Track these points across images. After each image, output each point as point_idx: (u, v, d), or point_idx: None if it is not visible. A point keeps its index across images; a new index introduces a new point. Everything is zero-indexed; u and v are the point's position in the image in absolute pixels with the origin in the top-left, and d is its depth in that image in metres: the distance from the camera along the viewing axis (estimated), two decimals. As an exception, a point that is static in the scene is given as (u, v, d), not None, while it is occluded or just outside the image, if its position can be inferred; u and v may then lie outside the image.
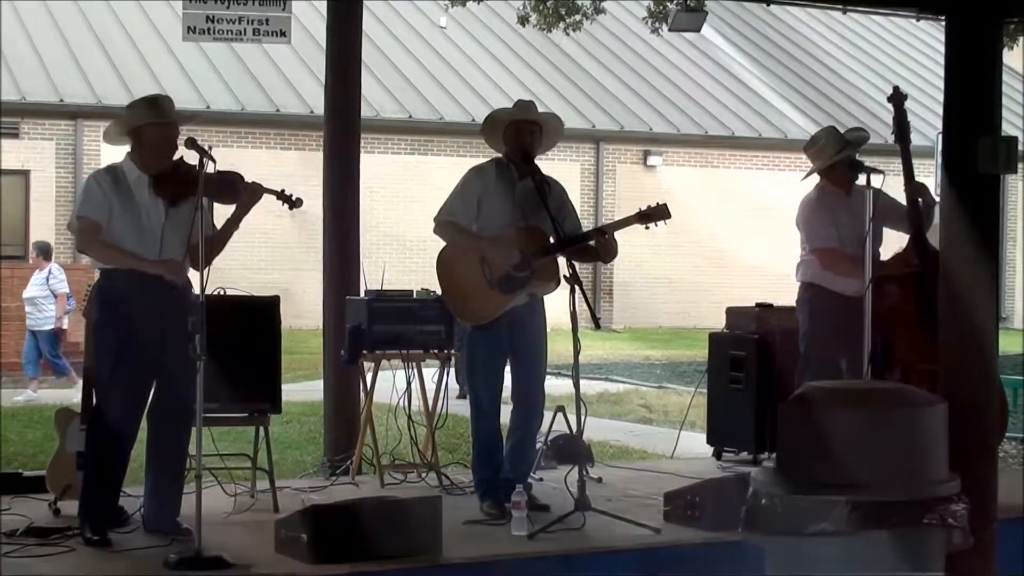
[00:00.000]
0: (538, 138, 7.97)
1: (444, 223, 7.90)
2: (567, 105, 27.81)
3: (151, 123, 7.10)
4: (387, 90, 27.03)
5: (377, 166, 24.02)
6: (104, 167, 7.27)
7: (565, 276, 7.59)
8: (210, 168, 6.75)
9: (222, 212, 7.20)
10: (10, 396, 15.39)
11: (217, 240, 7.16)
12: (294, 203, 7.22)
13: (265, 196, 7.20)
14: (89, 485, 7.05)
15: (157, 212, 7.05)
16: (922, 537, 5.14)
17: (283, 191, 7.21)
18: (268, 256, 22.85)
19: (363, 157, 10.00)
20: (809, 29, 35.32)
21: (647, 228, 8.01)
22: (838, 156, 8.61)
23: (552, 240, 7.76)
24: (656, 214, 7.89)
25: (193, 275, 6.96)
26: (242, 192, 7.12)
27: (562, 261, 7.76)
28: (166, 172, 7.06)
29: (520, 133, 7.91)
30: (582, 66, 30.36)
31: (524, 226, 7.80)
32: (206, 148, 6.74)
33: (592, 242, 7.94)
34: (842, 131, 8.99)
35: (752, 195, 29.06)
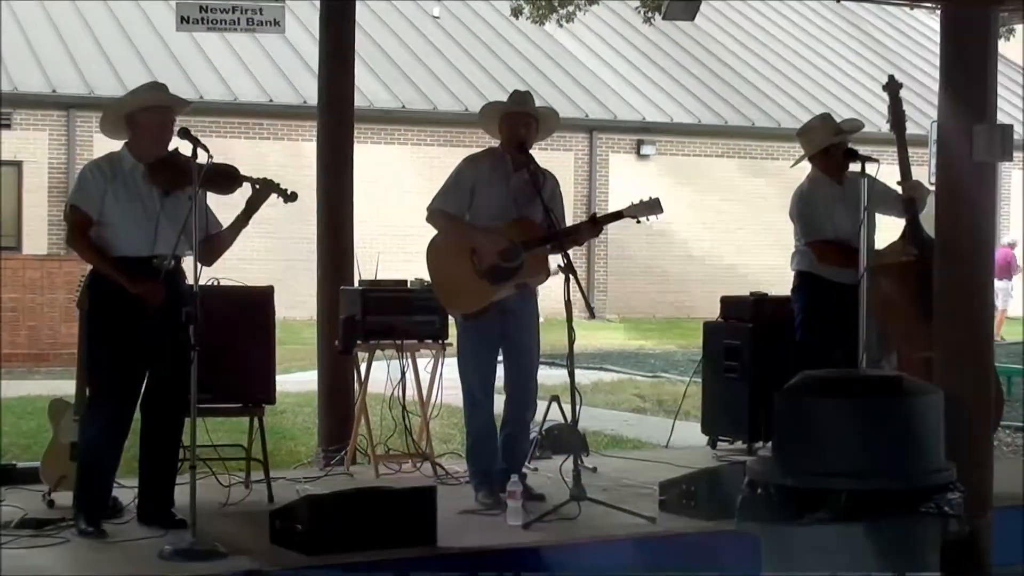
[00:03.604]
0: (533, 130, 7.95)
1: (436, 212, 7.89)
2: (560, 95, 27.82)
3: (147, 108, 7.10)
4: (381, 80, 27.01)
5: (371, 156, 24.02)
6: (102, 156, 7.25)
7: (560, 265, 7.58)
8: (204, 159, 6.75)
9: (221, 204, 7.19)
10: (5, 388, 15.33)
11: (226, 237, 7.19)
12: (289, 197, 7.25)
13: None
14: (83, 476, 7.04)
15: (152, 201, 7.04)
16: (918, 526, 5.14)
17: (278, 185, 7.23)
18: (262, 246, 22.84)
19: (356, 147, 9.98)
20: (802, 18, 35.33)
21: (639, 222, 8.01)
22: (830, 142, 8.61)
23: (543, 232, 7.75)
24: (648, 208, 7.89)
25: (187, 266, 6.96)
26: (234, 183, 7.12)
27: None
28: (161, 161, 7.05)
29: (516, 125, 7.89)
30: (575, 56, 30.35)
31: (516, 217, 7.79)
32: (199, 138, 6.75)
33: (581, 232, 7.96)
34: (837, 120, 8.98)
35: (746, 184, 29.07)
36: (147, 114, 7.09)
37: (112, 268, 6.97)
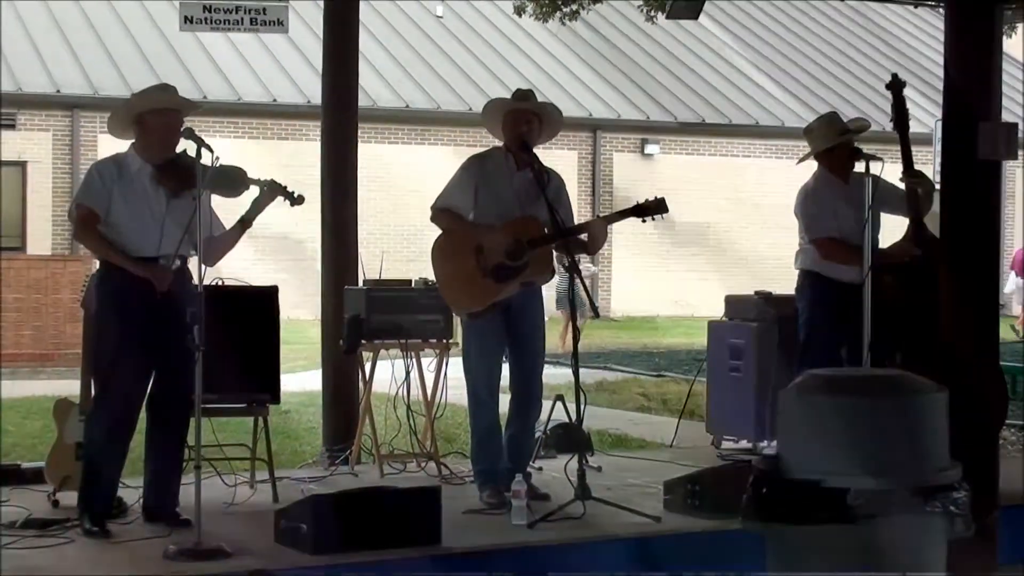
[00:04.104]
0: (536, 127, 7.93)
1: (440, 211, 7.89)
2: (564, 94, 27.80)
3: (154, 110, 7.10)
4: (384, 80, 27.01)
5: (374, 156, 24.01)
6: (108, 156, 7.25)
7: (564, 265, 7.57)
8: (208, 159, 6.75)
9: (228, 205, 7.20)
10: (9, 387, 15.35)
11: (229, 238, 7.20)
12: (296, 200, 7.26)
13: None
14: (88, 476, 7.04)
15: (159, 202, 7.04)
16: (923, 525, 5.13)
17: (285, 187, 7.23)
18: (266, 246, 22.85)
19: (360, 147, 9.98)
20: (806, 17, 35.31)
21: (644, 221, 8.01)
22: (836, 140, 8.61)
23: (547, 230, 7.74)
24: (654, 208, 7.88)
25: (193, 267, 6.97)
26: (241, 186, 7.13)
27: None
28: (169, 162, 7.05)
29: (517, 122, 7.87)
30: (579, 55, 30.34)
31: (520, 216, 7.78)
32: (203, 138, 6.75)
33: (585, 234, 7.92)
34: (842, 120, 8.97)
35: (749, 183, 29.06)
36: (155, 116, 7.09)
37: (121, 257, 6.97)
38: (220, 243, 7.20)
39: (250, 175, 7.21)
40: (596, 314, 8.40)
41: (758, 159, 29.62)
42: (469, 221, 7.85)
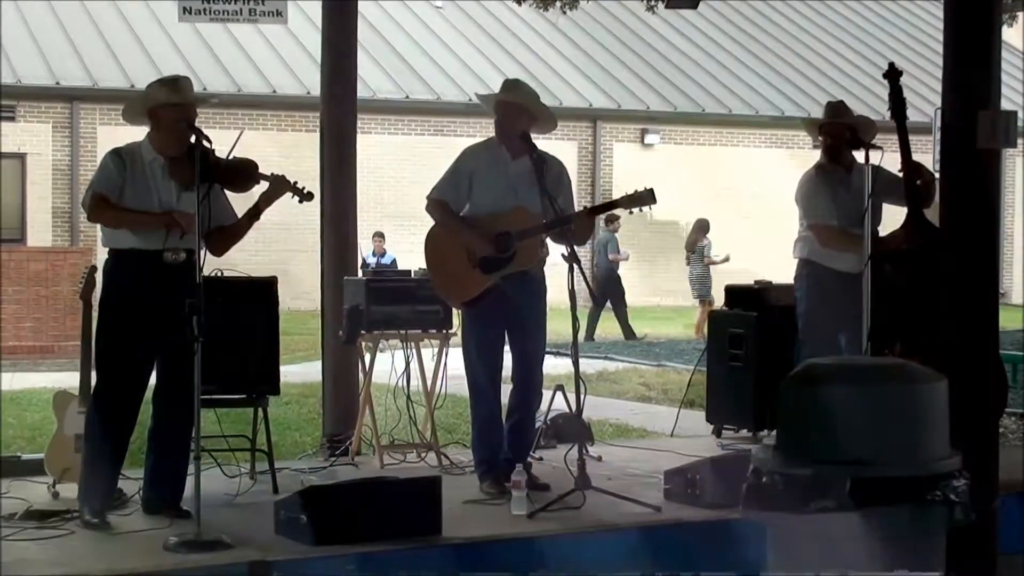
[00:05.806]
0: (523, 118, 7.90)
1: (434, 202, 7.92)
2: (564, 84, 27.80)
3: (167, 104, 7.08)
4: (384, 70, 26.99)
5: (374, 146, 24.00)
6: (123, 145, 7.22)
7: (563, 255, 7.56)
8: (210, 149, 6.75)
9: (234, 198, 7.20)
10: (9, 379, 15.33)
11: (238, 229, 7.19)
12: (305, 196, 7.25)
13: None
14: (88, 468, 7.03)
15: (169, 194, 7.04)
16: (924, 513, 5.14)
17: (294, 183, 7.22)
18: (265, 236, 22.84)
19: (360, 137, 9.97)
20: (805, 5, 35.28)
21: (631, 213, 8.00)
22: (819, 124, 8.68)
23: (538, 220, 7.74)
24: (642, 199, 7.86)
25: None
26: (250, 180, 7.12)
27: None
28: (181, 155, 7.03)
29: (505, 114, 7.88)
30: (579, 45, 30.32)
31: (513, 206, 7.78)
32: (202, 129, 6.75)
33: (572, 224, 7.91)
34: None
35: (748, 173, 29.04)
36: (167, 110, 7.08)
37: (139, 215, 6.97)
38: (229, 234, 7.20)
39: (261, 170, 7.20)
40: (596, 303, 8.38)
41: (757, 149, 29.59)
42: (458, 219, 7.86)
